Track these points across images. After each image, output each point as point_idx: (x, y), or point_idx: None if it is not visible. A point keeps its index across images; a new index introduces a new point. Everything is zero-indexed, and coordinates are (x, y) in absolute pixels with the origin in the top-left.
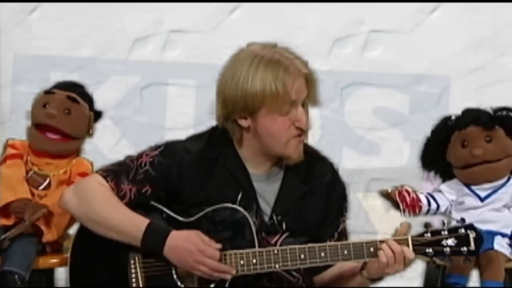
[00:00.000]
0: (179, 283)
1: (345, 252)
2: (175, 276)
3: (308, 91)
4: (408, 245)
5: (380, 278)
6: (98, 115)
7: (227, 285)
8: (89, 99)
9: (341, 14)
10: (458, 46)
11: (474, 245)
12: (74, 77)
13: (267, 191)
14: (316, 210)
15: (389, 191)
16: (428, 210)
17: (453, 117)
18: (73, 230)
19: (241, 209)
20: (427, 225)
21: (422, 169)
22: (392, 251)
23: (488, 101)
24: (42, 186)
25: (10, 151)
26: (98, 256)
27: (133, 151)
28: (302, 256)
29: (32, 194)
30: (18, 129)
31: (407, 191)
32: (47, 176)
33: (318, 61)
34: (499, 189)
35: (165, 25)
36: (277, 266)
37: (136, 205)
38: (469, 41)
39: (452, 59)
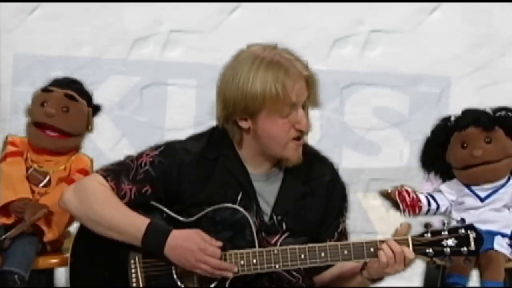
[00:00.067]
0: (179, 283)
1: (345, 252)
2: (175, 276)
3: (309, 93)
4: (408, 245)
5: (380, 279)
6: (97, 109)
7: (227, 285)
8: (87, 95)
9: (341, 14)
10: (458, 46)
11: (474, 245)
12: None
13: (267, 191)
14: (316, 210)
15: (389, 191)
16: (428, 210)
17: (452, 118)
18: (73, 229)
19: (241, 209)
20: (427, 225)
21: (422, 170)
22: (392, 251)
23: (488, 101)
24: (42, 183)
25: (10, 148)
26: (98, 256)
27: (133, 151)
28: (302, 256)
29: (33, 192)
30: (19, 129)
31: (407, 191)
32: (47, 173)
33: (318, 61)
34: (499, 189)
35: (165, 25)
36: (277, 266)
37: (136, 205)
38: (469, 41)
39: (452, 59)
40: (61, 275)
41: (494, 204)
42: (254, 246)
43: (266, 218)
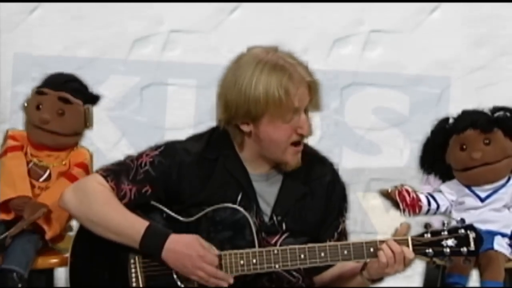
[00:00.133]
0: (179, 283)
1: (345, 252)
2: (175, 276)
3: (311, 98)
4: (408, 245)
5: (380, 279)
6: (95, 100)
7: (227, 285)
8: (82, 93)
9: (341, 14)
10: (458, 46)
11: (474, 245)
12: None
13: (267, 191)
14: (316, 211)
15: (389, 190)
16: (428, 210)
17: (450, 120)
18: (75, 223)
19: (241, 209)
20: (427, 226)
21: (422, 172)
22: (392, 251)
23: (488, 101)
24: (43, 178)
25: (11, 142)
26: (98, 256)
27: (133, 151)
28: (302, 256)
29: (33, 186)
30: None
31: (407, 191)
32: (47, 168)
33: (318, 61)
34: (499, 189)
35: (165, 25)
36: (277, 266)
37: (136, 205)
38: (469, 41)
39: (452, 59)
40: (61, 274)
41: (494, 204)
42: (254, 246)
43: (266, 219)
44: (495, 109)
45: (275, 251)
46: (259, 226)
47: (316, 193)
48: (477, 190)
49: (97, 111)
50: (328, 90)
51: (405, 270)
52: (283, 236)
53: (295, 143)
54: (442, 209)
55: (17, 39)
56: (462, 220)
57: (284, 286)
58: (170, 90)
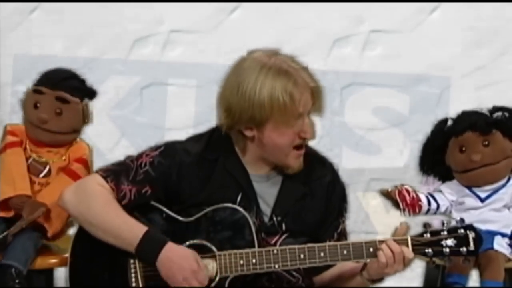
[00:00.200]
0: None
1: (345, 252)
2: None
3: (313, 102)
4: (407, 245)
5: (380, 279)
6: (93, 94)
7: (227, 285)
8: (79, 90)
9: (341, 14)
10: (458, 46)
11: (473, 245)
12: None
13: (267, 192)
14: (316, 211)
15: (389, 190)
16: (428, 210)
17: (449, 121)
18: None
19: (240, 209)
20: (426, 225)
21: (421, 174)
22: (392, 251)
23: (488, 101)
24: (43, 174)
25: (10, 138)
26: (97, 256)
27: (133, 151)
28: (302, 256)
29: (33, 182)
30: None
31: (407, 191)
32: (47, 163)
33: (318, 61)
34: (499, 189)
35: (165, 25)
36: (276, 266)
37: (136, 205)
38: (469, 41)
39: (452, 59)
40: (61, 274)
41: (494, 204)
42: (253, 246)
43: (266, 219)
44: (494, 109)
45: (275, 251)
46: (259, 226)
47: (316, 193)
48: (477, 190)
49: (97, 111)
50: (328, 90)
51: (405, 270)
52: (283, 237)
53: (298, 147)
54: (442, 209)
55: (17, 39)
56: (462, 220)
57: (284, 286)
58: (170, 90)
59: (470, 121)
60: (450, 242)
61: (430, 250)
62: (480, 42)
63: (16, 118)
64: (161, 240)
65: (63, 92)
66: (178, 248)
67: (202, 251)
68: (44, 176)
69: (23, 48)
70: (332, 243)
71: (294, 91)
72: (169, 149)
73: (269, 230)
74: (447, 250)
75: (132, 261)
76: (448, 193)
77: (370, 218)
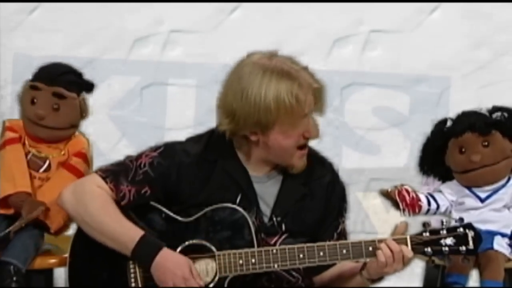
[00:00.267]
0: None
1: (344, 251)
2: None
3: (315, 102)
4: (406, 244)
5: (380, 279)
6: (90, 88)
7: (226, 285)
8: (76, 84)
9: (341, 14)
10: (458, 46)
11: (472, 244)
12: None
13: (267, 192)
14: (316, 212)
15: (389, 190)
16: (428, 210)
17: (448, 122)
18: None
19: (240, 209)
20: (425, 225)
21: (421, 174)
22: (391, 250)
23: (488, 101)
24: (43, 169)
25: (9, 134)
26: (97, 256)
27: (133, 151)
28: (301, 255)
29: (33, 177)
30: None
31: (406, 191)
32: (47, 158)
33: (318, 61)
34: (499, 189)
35: (165, 25)
36: (275, 265)
37: (135, 205)
38: (469, 41)
39: (452, 59)
40: (61, 274)
41: (494, 204)
42: (253, 246)
43: (266, 219)
44: (494, 110)
45: (274, 251)
46: (259, 227)
47: (316, 193)
48: (477, 190)
49: (97, 111)
50: (328, 90)
51: (404, 269)
52: (283, 237)
53: (301, 147)
54: (442, 209)
55: (17, 39)
56: (461, 219)
57: (284, 286)
58: (170, 90)
59: (469, 122)
60: (449, 241)
61: (429, 249)
62: (480, 42)
63: (16, 118)
64: (157, 245)
65: (59, 88)
66: (173, 255)
67: (202, 251)
68: (44, 171)
69: (23, 48)
70: (331, 242)
71: (299, 93)
72: (169, 150)
73: (268, 231)
74: (447, 249)
75: (131, 261)
76: (448, 193)
77: (370, 218)
